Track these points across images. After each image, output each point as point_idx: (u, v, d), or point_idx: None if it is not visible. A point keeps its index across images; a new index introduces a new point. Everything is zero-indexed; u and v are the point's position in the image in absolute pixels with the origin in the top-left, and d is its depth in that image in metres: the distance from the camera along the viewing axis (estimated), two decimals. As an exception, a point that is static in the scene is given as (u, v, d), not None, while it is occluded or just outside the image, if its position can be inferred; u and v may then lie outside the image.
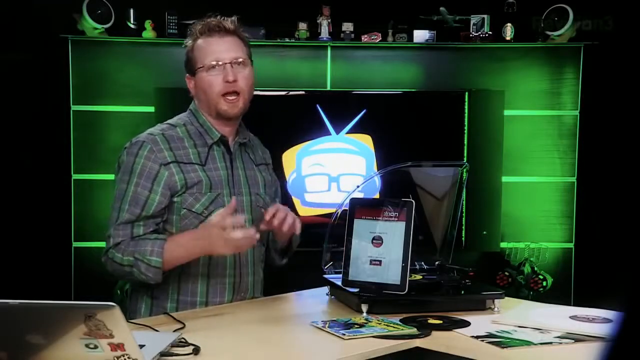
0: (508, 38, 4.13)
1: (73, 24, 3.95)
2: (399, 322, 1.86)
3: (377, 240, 2.03)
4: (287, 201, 3.94)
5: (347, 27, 4.09)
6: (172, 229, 2.06)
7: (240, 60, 2.08)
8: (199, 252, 1.99)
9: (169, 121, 2.16)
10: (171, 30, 3.98)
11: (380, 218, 2.04)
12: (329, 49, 4.12)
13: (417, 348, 1.76)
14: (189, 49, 2.12)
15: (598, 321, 1.85)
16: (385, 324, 1.85)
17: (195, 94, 2.14)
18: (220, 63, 2.06)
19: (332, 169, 4.01)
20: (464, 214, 3.89)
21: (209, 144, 2.10)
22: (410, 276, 2.00)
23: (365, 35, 4.11)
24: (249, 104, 2.13)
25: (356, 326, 1.82)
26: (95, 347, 1.38)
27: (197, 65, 2.08)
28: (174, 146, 2.06)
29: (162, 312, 2.03)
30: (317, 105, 4.01)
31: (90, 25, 3.93)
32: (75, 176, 4.01)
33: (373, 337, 1.75)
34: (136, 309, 2.09)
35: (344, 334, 1.75)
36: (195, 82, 2.11)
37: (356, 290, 2.02)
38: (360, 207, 2.09)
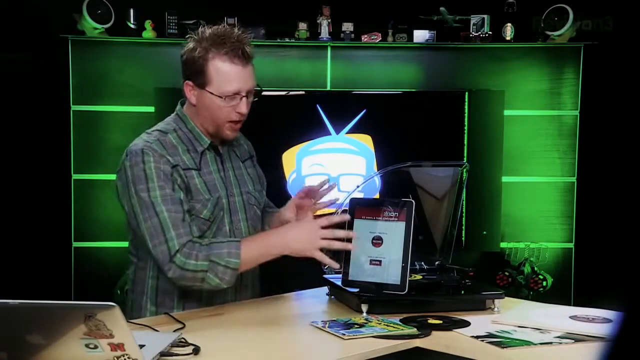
0: (508, 38, 4.13)
1: (73, 24, 3.95)
2: (399, 322, 1.86)
3: (377, 240, 2.03)
4: (287, 201, 3.94)
5: (347, 27, 4.09)
6: None
7: (253, 89, 2.05)
8: (274, 251, 1.95)
9: (158, 127, 2.08)
10: (171, 30, 3.98)
11: (380, 218, 2.04)
12: (329, 49, 4.12)
13: (417, 348, 1.76)
14: (195, 56, 1.98)
15: (598, 321, 1.85)
16: (385, 324, 1.84)
17: (197, 106, 2.05)
18: (239, 94, 2.00)
19: (332, 169, 4.01)
20: (464, 214, 3.89)
21: (199, 151, 2.06)
22: (410, 276, 2.00)
23: (365, 35, 4.11)
24: None
25: (356, 326, 1.82)
26: (95, 347, 1.38)
27: (213, 87, 1.99)
28: (171, 152, 2.00)
29: None
30: (317, 105, 4.01)
31: (90, 25, 3.93)
32: (75, 176, 4.01)
33: (373, 337, 1.75)
34: (139, 316, 2.02)
35: (344, 334, 1.75)
36: (201, 97, 2.02)
37: (356, 290, 2.02)
38: (360, 207, 2.09)
